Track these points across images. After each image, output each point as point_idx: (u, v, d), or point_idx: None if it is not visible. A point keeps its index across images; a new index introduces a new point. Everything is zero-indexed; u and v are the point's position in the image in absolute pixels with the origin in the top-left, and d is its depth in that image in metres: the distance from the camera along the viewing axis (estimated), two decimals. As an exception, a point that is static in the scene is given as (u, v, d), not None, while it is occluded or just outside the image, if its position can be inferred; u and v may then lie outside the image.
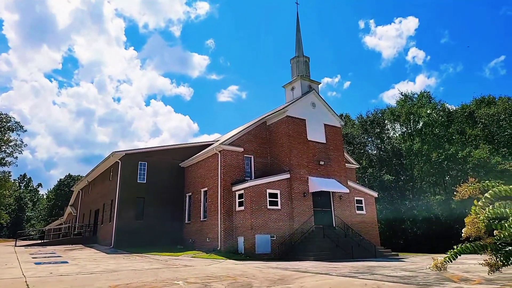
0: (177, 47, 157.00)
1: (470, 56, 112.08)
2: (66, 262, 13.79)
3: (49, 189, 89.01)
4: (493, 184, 5.21)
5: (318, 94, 25.60)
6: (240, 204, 20.80)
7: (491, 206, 5.38)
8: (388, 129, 49.95)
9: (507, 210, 5.30)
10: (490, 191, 4.98)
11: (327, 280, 8.58)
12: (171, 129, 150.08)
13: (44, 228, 56.17)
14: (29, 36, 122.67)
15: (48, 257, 16.41)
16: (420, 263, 14.07)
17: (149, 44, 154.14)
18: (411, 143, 42.83)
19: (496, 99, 44.11)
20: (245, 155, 23.25)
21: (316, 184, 22.00)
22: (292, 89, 26.21)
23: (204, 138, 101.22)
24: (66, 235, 34.95)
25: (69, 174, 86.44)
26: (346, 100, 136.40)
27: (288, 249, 19.46)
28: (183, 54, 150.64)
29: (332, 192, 22.87)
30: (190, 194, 26.05)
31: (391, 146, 46.06)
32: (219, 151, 22.50)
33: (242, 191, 20.78)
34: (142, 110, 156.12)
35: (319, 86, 26.72)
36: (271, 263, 14.60)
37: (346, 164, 25.70)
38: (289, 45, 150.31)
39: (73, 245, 25.28)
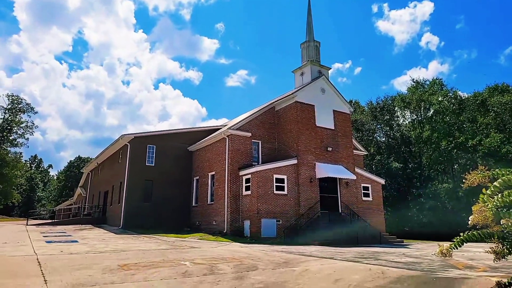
0: (186, 31, 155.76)
1: (485, 43, 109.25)
2: (76, 241, 14.14)
3: (60, 171, 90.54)
4: (503, 172, 5.13)
5: (328, 79, 25.33)
6: (247, 188, 20.96)
7: (499, 194, 5.32)
8: (397, 116, 49.44)
9: (516, 198, 5.24)
10: (499, 180, 4.91)
11: (331, 264, 8.67)
12: (179, 113, 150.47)
13: (55, 208, 57.45)
14: (39, 18, 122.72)
15: (59, 236, 16.84)
16: (425, 250, 14.13)
17: (158, 27, 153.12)
18: (420, 130, 42.38)
19: (510, 87, 43.17)
20: (252, 140, 23.28)
21: (323, 170, 22.00)
22: (302, 74, 25.95)
23: (212, 123, 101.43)
24: (76, 215, 35.74)
25: (79, 156, 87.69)
26: (356, 86, 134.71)
27: (293, 234, 19.64)
28: (192, 37, 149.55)
29: (339, 178, 22.87)
30: (197, 177, 26.30)
31: (400, 134, 45.68)
32: (227, 136, 22.55)
33: (249, 176, 20.90)
34: (151, 94, 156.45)
35: (329, 71, 26.42)
36: (276, 246, 14.79)
37: (354, 151, 25.60)
38: (299, 29, 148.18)
39: (83, 225, 25.87)
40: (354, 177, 23.13)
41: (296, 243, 17.48)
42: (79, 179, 51.63)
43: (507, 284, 5.09)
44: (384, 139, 48.69)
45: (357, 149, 28.40)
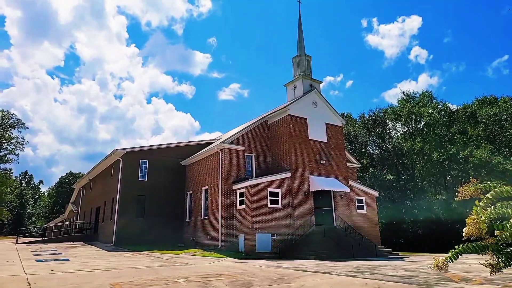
0: (179, 45, 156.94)
1: (473, 56, 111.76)
2: (67, 260, 13.83)
3: (50, 187, 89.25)
4: (494, 184, 5.19)
5: (320, 93, 25.59)
6: (241, 202, 20.82)
7: (492, 206, 5.37)
8: (389, 129, 49.90)
9: (508, 210, 5.28)
10: (491, 192, 4.97)
11: (327, 279, 8.58)
12: (172, 127, 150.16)
13: (45, 225, 56.31)
14: (30, 32, 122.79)
15: (50, 254, 16.46)
16: (420, 263, 14.07)
17: (151, 42, 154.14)
18: (412, 142, 42.77)
19: (498, 99, 44.03)
20: (246, 154, 23.26)
21: (317, 183, 22.00)
22: (294, 88, 26.20)
23: (205, 137, 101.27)
24: (67, 232, 35.05)
25: (70, 171, 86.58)
26: (348, 99, 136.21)
27: (288, 248, 19.47)
28: (185, 52, 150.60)
29: (333, 191, 22.86)
30: (191, 192, 26.08)
31: (392, 146, 46.03)
32: (220, 150, 22.51)
33: (243, 190, 20.79)
34: (144, 108, 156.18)
35: (321, 85, 26.72)
36: (272, 261, 14.62)
37: (347, 163, 25.69)
38: (291, 43, 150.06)
39: (74, 243, 25.35)
40: (348, 190, 23.14)
41: (291, 258, 17.31)
42: (71, 195, 50.88)
43: (503, 297, 5.08)
44: (376, 151, 49.00)
45: (350, 162, 28.50)
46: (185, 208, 26.31)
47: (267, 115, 25.20)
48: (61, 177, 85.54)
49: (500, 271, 4.85)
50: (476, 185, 5.52)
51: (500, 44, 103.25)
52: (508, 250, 4.86)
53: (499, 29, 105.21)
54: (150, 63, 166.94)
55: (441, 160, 38.13)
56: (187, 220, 25.88)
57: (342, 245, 19.21)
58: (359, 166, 31.64)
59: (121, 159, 24.95)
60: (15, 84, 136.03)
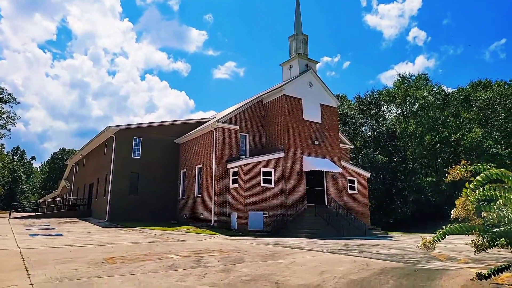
0: (174, 21, 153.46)
1: (471, 39, 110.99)
2: (61, 235, 13.93)
3: (43, 162, 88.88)
4: (484, 167, 5.26)
5: (316, 73, 25.39)
6: (234, 181, 20.96)
7: (481, 188, 5.45)
8: (384, 111, 50.03)
9: (496, 192, 5.38)
10: (482, 174, 5.04)
11: (317, 256, 8.78)
12: (167, 105, 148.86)
13: (38, 201, 56.41)
14: (21, 5, 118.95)
15: (43, 229, 16.56)
16: (408, 242, 14.43)
17: (145, 17, 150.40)
18: (405, 125, 43.03)
19: (493, 83, 44.17)
20: (240, 133, 23.24)
21: (310, 163, 22.16)
22: (290, 67, 25.95)
23: (200, 115, 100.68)
24: (60, 208, 35.18)
25: (63, 148, 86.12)
26: (344, 80, 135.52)
27: (280, 226, 19.80)
28: (180, 28, 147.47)
29: (326, 172, 23.08)
30: (184, 170, 26.15)
31: (386, 128, 46.27)
32: (215, 129, 22.44)
33: (236, 169, 20.89)
34: (138, 85, 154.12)
35: (318, 65, 26.49)
36: (263, 239, 14.88)
37: (340, 145, 25.84)
38: (288, 22, 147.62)
39: (67, 218, 25.50)
40: (341, 171, 23.37)
41: (283, 236, 17.64)
42: (64, 171, 50.76)
43: (487, 275, 5.25)
44: (370, 133, 49.25)
45: (344, 143, 28.66)
46: (179, 186, 26.44)
47: (262, 95, 25.03)
48: (54, 153, 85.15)
49: (485, 251, 4.98)
50: (466, 167, 5.58)
51: (498, 27, 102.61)
52: (494, 231, 4.98)
53: (498, 12, 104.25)
54: (144, 39, 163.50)
55: (433, 142, 38.54)
56: (180, 197, 26.07)
57: (333, 224, 19.58)
58: (352, 147, 31.85)
59: (114, 136, 24.80)
60: (6, 58, 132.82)
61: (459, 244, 11.72)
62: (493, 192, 5.39)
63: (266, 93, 24.72)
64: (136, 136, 25.50)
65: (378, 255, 9.02)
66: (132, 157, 25.15)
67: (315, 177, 22.71)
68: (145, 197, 24.71)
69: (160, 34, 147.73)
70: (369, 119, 49.07)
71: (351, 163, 28.06)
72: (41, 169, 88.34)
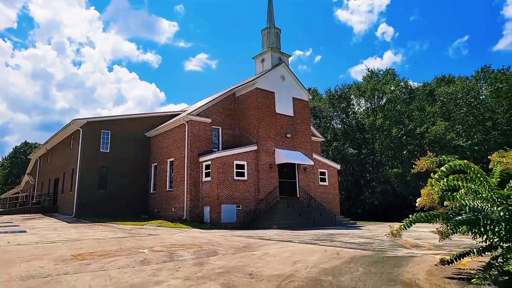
0: (143, 11, 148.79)
1: (436, 35, 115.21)
2: (25, 232, 13.34)
3: (4, 157, 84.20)
4: (449, 158, 5.52)
5: (288, 67, 25.56)
6: (207, 174, 20.84)
7: (445, 179, 5.72)
8: (353, 104, 51.20)
9: (459, 182, 5.68)
10: (446, 165, 5.28)
11: (289, 247, 8.93)
12: (136, 98, 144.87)
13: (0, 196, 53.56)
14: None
15: (5, 226, 15.78)
16: (376, 231, 14.97)
17: (113, 6, 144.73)
18: (374, 118, 44.28)
19: (456, 78, 46.23)
20: (213, 126, 23.07)
21: (283, 156, 22.39)
22: (262, 61, 25.95)
23: (171, 108, 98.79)
24: (24, 204, 33.60)
25: (25, 141, 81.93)
26: (316, 74, 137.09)
27: (253, 218, 19.94)
28: (149, 18, 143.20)
29: (298, 164, 23.41)
30: (155, 164, 25.68)
31: (355, 121, 47.42)
32: (187, 122, 22.15)
33: (209, 162, 20.77)
34: (105, 76, 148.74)
35: (290, 59, 26.65)
36: (236, 231, 14.95)
37: (312, 137, 26.25)
38: (261, 15, 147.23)
39: (32, 215, 24.43)
40: (312, 163, 23.79)
41: (255, 228, 17.79)
42: (27, 165, 48.43)
43: (449, 261, 5.55)
44: (340, 126, 50.33)
45: (315, 136, 29.14)
46: (150, 180, 25.96)
47: (235, 88, 24.93)
48: (16, 147, 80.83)
49: (448, 238, 5.25)
50: (432, 158, 5.84)
51: (462, 25, 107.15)
52: (456, 219, 5.25)
53: (461, 10, 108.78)
54: (112, 29, 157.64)
55: (399, 135, 39.96)
56: (151, 192, 25.62)
57: (304, 215, 19.95)
58: (323, 140, 32.46)
59: (81, 129, 23.90)
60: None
61: (423, 232, 12.29)
62: (456, 182, 5.69)
63: (238, 86, 24.64)
64: (104, 129, 24.71)
65: (348, 244, 9.30)
66: (101, 151, 24.39)
67: (287, 170, 22.99)
68: (114, 192, 24.09)
69: (129, 24, 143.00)
70: (339, 112, 50.10)
71: (322, 156, 28.62)
72: (2, 163, 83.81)
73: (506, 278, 4.75)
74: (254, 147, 21.90)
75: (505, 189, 5.63)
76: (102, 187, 23.99)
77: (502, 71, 39.72)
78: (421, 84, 48.19)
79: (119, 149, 24.88)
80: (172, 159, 23.62)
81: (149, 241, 10.39)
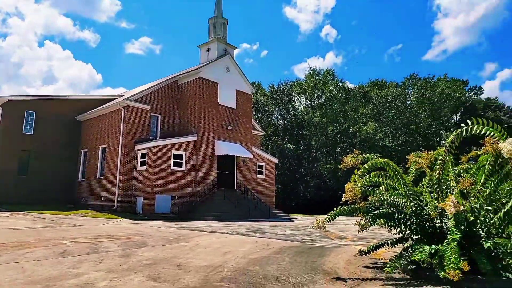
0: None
1: (373, 41, 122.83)
2: None
3: None
4: (371, 156, 5.93)
5: (233, 59, 25.48)
6: (142, 163, 20.09)
7: (368, 175, 6.14)
8: (294, 101, 52.81)
9: (379, 179, 6.15)
10: (368, 163, 5.68)
11: (222, 238, 8.99)
12: (69, 78, 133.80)
13: None
14: None
15: None
16: (306, 223, 15.69)
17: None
18: (312, 115, 46.14)
19: (387, 83, 49.93)
20: (152, 114, 22.25)
21: (222, 148, 22.38)
22: (208, 50, 25.54)
23: (108, 92, 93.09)
24: None
25: None
26: (261, 68, 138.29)
27: (188, 210, 19.71)
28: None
29: (237, 157, 23.57)
30: (86, 150, 24.10)
31: (295, 117, 48.99)
32: (124, 107, 21.06)
33: (145, 151, 20.02)
34: (34, 52, 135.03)
35: (236, 51, 26.61)
36: (170, 223, 14.66)
37: (252, 131, 26.58)
38: (209, 3, 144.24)
39: None
40: (251, 156, 24.12)
41: (190, 219, 17.60)
42: None
43: (367, 251, 6.00)
44: (281, 121, 51.65)
45: (256, 130, 29.56)
46: (78, 167, 24.32)
47: (177, 75, 24.25)
48: None
49: (367, 230, 5.67)
50: (357, 156, 6.24)
51: (396, 34, 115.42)
52: (375, 212, 5.69)
53: (397, 19, 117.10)
54: (45, 0, 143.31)
55: (334, 133, 42.21)
56: (79, 179, 24.04)
57: (240, 207, 20.21)
58: (263, 134, 33.06)
59: (1, 108, 21.53)
60: None
61: (348, 225, 13.14)
62: (377, 179, 6.16)
63: (182, 74, 24.01)
64: (29, 110, 22.55)
65: (279, 236, 9.62)
66: (23, 133, 22.26)
67: (226, 162, 23.06)
68: (37, 179, 22.17)
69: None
70: (280, 108, 51.35)
71: (261, 149, 29.15)
72: None
73: (414, 267, 5.27)
74: (194, 138, 21.58)
75: (418, 186, 6.24)
76: (22, 173, 21.94)
77: (427, 79, 43.80)
78: (357, 86, 51.29)
79: (45, 132, 22.90)
80: (104, 145, 22.35)
81: (73, 232, 9.75)
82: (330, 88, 47.74)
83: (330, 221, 5.84)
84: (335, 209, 5.89)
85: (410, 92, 45.92)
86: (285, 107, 51.16)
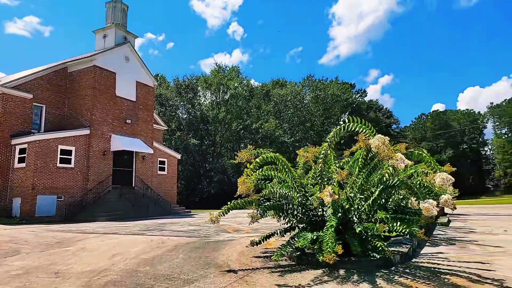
0: None
1: (278, 41, 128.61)
2: None
3: None
4: (264, 151, 6.17)
5: (134, 48, 23.95)
6: (21, 160, 17.58)
7: (260, 169, 6.38)
8: (200, 96, 52.35)
9: (272, 172, 6.45)
10: (260, 157, 5.89)
11: (113, 239, 8.40)
12: None
13: None
14: None
15: None
16: (206, 218, 15.69)
17: None
18: (217, 111, 46.39)
19: (287, 83, 53.01)
20: (34, 103, 19.61)
21: (120, 143, 20.94)
22: (104, 36, 23.48)
23: (-22, 75, 79.02)
24: None
25: None
26: (166, 60, 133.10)
27: (78, 210, 17.96)
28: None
29: (136, 152, 22.34)
30: None
31: (200, 112, 48.60)
32: (-3, 94, 18.08)
33: (25, 146, 17.55)
34: None
35: (138, 40, 25.03)
36: (54, 226, 13.15)
37: (154, 125, 25.46)
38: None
39: None
40: (152, 151, 23.10)
41: (80, 221, 16.07)
42: None
43: (258, 241, 6.25)
44: (186, 116, 50.71)
45: (158, 124, 28.38)
46: None
47: (68, 62, 21.78)
48: None
49: (257, 221, 5.88)
50: (251, 150, 6.42)
51: (298, 36, 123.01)
52: (265, 204, 5.95)
53: (299, 23, 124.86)
54: None
55: (238, 129, 43.17)
56: None
57: (138, 205, 19.23)
58: (166, 128, 31.96)
59: None
60: None
61: (245, 218, 13.59)
62: (269, 172, 6.45)
63: (73, 61, 21.65)
64: None
65: (176, 233, 9.41)
66: None
67: (124, 158, 21.64)
68: None
69: None
70: (185, 102, 50.38)
71: (164, 145, 28.15)
72: None
73: (298, 253, 5.66)
74: (86, 131, 19.72)
75: (304, 179, 6.73)
76: None
77: (321, 81, 47.79)
78: (260, 84, 53.25)
79: None
80: (-29, 139, 18.89)
81: None
82: (235, 84, 48.59)
83: (224, 215, 5.91)
84: (228, 203, 5.99)
85: (307, 92, 49.58)
86: (190, 102, 50.36)
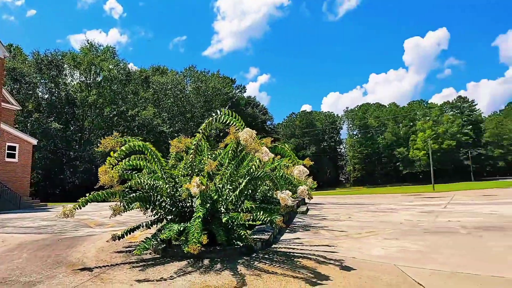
0: None
1: (161, 27, 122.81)
2: None
3: None
4: (130, 139, 5.75)
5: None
6: None
7: (127, 158, 5.94)
8: (66, 75, 46.15)
9: (141, 162, 6.08)
10: (126, 145, 5.47)
11: None
12: None
13: None
14: None
15: None
16: (59, 212, 14.01)
17: None
18: (87, 94, 41.76)
19: (169, 71, 51.25)
20: None
21: (-51, 121, 16.84)
22: None
23: None
24: None
25: None
26: (26, 30, 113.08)
27: None
28: None
29: (-26, 134, 18.36)
30: None
31: (65, 93, 42.91)
32: None
33: None
34: None
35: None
36: None
37: (3, 104, 21.31)
38: None
39: None
40: None
41: None
42: None
43: (120, 236, 5.82)
44: (47, 96, 44.08)
45: (9, 102, 23.87)
46: None
47: None
48: None
49: (120, 214, 5.46)
50: (117, 138, 5.92)
51: (183, 25, 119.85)
52: (130, 196, 5.57)
53: (184, 10, 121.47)
54: None
55: (111, 115, 39.76)
56: None
57: (-24, 198, 15.91)
58: (19, 109, 27.16)
59: None
60: None
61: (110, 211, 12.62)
62: (138, 162, 6.06)
63: None
64: None
65: (23, 229, 8.10)
66: None
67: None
68: None
69: None
70: (47, 80, 43.72)
71: (15, 128, 23.89)
72: None
73: (164, 246, 5.49)
74: None
75: (176, 170, 6.56)
76: None
77: (203, 73, 47.73)
78: (139, 69, 50.07)
79: None
80: None
81: None
82: (110, 66, 44.45)
83: (80, 208, 5.30)
84: (87, 194, 5.39)
85: (188, 83, 48.86)
86: (54, 81, 43.91)
